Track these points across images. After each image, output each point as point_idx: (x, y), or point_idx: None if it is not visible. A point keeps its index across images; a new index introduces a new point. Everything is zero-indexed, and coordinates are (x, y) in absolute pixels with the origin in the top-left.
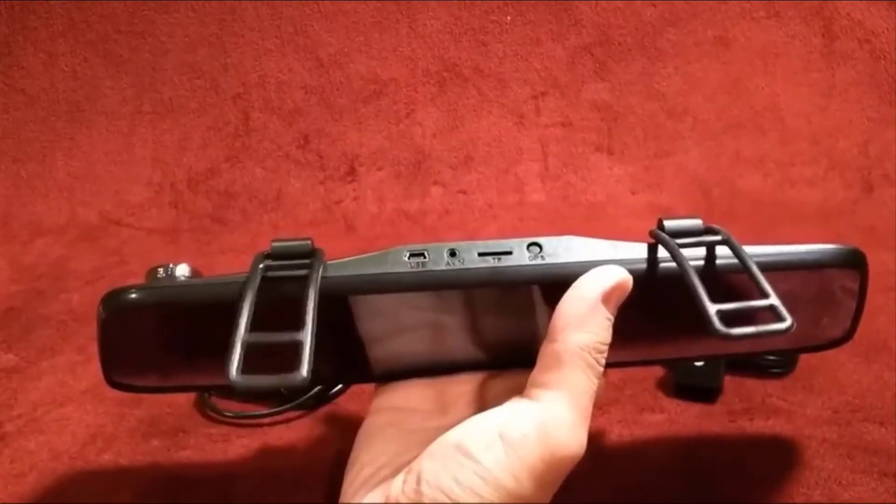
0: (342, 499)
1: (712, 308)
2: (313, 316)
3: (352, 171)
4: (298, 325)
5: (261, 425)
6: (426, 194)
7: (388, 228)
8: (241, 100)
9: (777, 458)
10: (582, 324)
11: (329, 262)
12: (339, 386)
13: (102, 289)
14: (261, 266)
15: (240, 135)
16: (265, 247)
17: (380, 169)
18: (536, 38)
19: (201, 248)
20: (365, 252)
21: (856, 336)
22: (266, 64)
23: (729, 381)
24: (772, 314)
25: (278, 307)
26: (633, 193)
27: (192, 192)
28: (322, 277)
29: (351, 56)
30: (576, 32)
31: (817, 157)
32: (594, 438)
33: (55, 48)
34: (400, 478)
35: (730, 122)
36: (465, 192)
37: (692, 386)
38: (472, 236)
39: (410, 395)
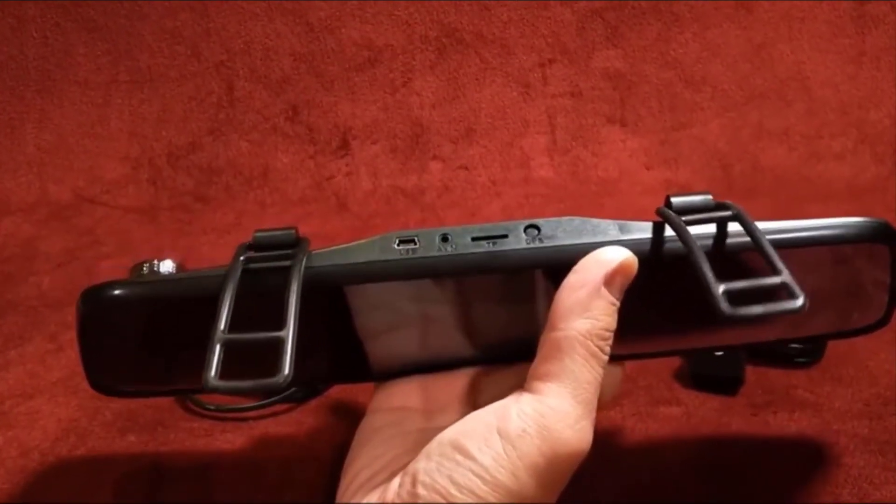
0: (338, 502)
1: (718, 287)
2: (295, 311)
3: (344, 145)
4: (281, 321)
5: (246, 419)
6: (424, 170)
7: (384, 206)
8: (224, 68)
9: (803, 454)
10: (583, 310)
11: (314, 252)
12: None
13: (75, 271)
14: (242, 258)
15: (223, 106)
16: (250, 227)
17: (374, 142)
18: (544, 1)
19: (182, 227)
20: (358, 232)
21: (889, 323)
22: (252, 29)
23: (751, 372)
24: (784, 292)
25: (262, 300)
26: (647, 169)
27: (171, 168)
28: (306, 268)
29: (343, 20)
30: None
31: (846, 130)
32: (605, 434)
33: (24, 12)
34: (396, 480)
35: (752, 91)
36: (466, 168)
37: (711, 376)
38: (473, 215)
39: (409, 394)
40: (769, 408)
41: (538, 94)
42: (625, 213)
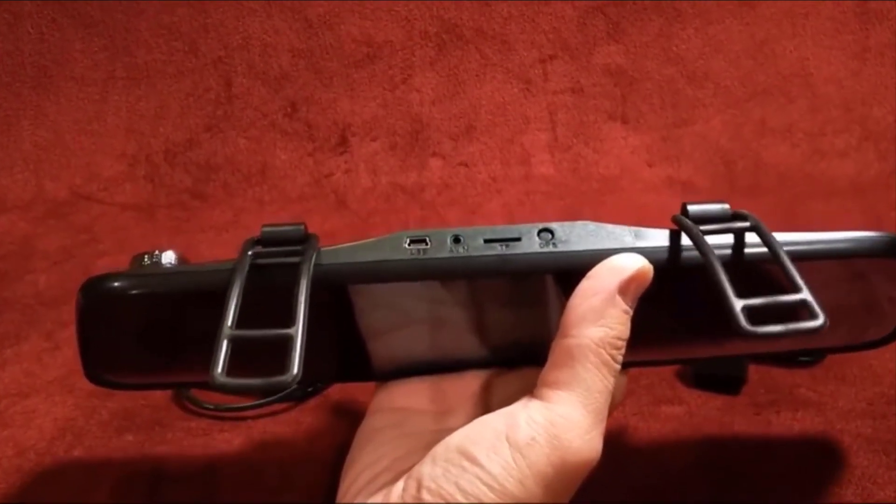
0: None
1: (738, 303)
2: (305, 309)
3: (343, 142)
4: (289, 318)
5: (244, 418)
6: (424, 167)
7: (383, 204)
8: (222, 64)
9: (806, 454)
10: (597, 317)
11: (323, 249)
12: None
13: (71, 269)
14: (249, 253)
15: (221, 102)
16: (249, 224)
17: (374, 139)
18: None
19: (180, 225)
20: (358, 229)
21: None
22: (250, 25)
23: (754, 371)
24: (804, 310)
25: (270, 297)
26: (649, 166)
27: (169, 165)
28: (315, 265)
29: (342, 16)
30: None
31: (850, 126)
32: (607, 433)
33: (20, 8)
34: (400, 484)
35: (754, 88)
36: (466, 165)
37: (714, 376)
38: (473, 212)
39: (413, 395)
40: (772, 407)
41: (539, 90)
42: (626, 211)
